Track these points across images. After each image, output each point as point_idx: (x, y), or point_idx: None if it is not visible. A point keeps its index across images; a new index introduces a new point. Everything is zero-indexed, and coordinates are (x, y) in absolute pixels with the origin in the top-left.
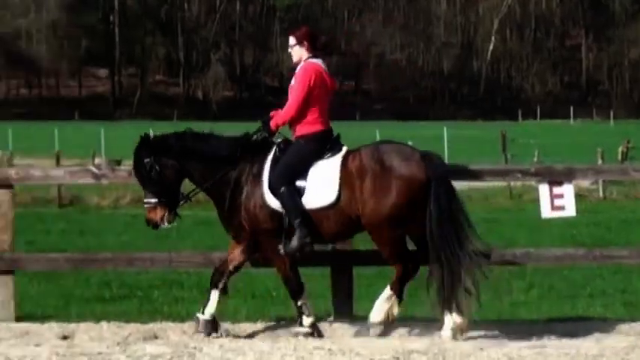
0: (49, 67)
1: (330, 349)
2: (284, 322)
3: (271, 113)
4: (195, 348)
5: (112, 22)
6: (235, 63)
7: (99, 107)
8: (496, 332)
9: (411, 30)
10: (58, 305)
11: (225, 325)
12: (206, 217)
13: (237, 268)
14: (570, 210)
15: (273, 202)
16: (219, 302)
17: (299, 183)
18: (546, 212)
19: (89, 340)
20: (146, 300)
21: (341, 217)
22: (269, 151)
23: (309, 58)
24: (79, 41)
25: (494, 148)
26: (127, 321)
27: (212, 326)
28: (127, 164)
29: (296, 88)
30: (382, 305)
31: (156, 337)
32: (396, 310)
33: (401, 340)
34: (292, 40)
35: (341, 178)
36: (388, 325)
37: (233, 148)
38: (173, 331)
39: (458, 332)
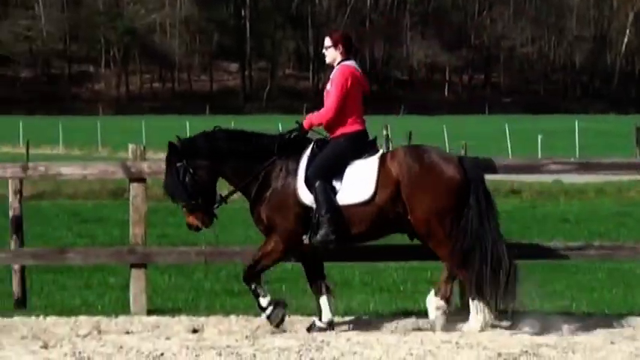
0: (181, 62)
1: (457, 343)
2: (411, 315)
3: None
4: (322, 341)
5: (244, 16)
6: (365, 56)
7: (229, 101)
8: (628, 326)
9: (543, 23)
10: (188, 298)
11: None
12: None
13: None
14: None
15: (307, 197)
16: (331, 305)
17: (335, 181)
18: None
19: (218, 334)
20: (274, 293)
21: (375, 214)
22: (305, 149)
23: (342, 60)
24: (210, 36)
25: (628, 142)
26: (256, 314)
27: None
28: None
29: (333, 90)
30: (477, 316)
31: (284, 331)
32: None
33: (529, 333)
34: (328, 42)
35: (378, 175)
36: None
37: (268, 145)
38: (301, 324)
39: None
